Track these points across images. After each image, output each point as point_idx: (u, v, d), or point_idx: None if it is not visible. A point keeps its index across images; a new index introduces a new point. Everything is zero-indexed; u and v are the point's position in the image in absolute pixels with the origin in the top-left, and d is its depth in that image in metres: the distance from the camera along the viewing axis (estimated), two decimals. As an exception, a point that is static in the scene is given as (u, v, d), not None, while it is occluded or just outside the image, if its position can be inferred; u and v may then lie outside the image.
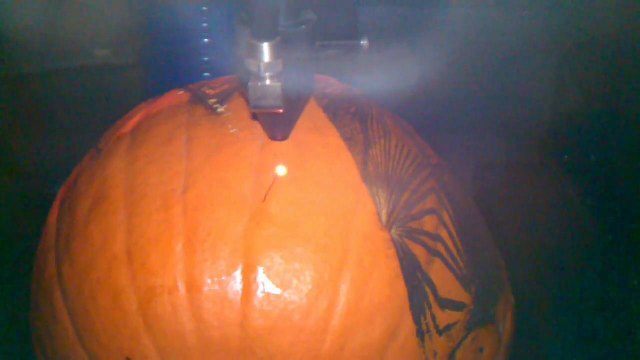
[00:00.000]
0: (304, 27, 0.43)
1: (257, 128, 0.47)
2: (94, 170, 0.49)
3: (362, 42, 0.47)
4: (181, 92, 0.53)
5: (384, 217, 0.45)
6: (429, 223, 0.47)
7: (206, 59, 0.73)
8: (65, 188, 0.53)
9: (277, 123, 0.45)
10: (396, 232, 0.45)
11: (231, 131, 0.47)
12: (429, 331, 0.44)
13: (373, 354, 0.43)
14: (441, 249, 0.47)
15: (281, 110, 0.40)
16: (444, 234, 0.48)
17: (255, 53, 0.38)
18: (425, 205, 0.48)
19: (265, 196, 0.44)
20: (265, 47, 0.38)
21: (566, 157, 0.76)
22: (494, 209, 0.65)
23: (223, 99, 0.50)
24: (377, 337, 0.43)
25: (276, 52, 0.39)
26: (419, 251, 0.45)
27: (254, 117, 0.47)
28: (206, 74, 0.73)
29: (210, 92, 0.52)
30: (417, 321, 0.44)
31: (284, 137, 0.47)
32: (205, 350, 0.42)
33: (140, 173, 0.47)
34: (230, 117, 0.48)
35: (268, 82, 0.39)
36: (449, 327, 0.45)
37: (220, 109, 0.49)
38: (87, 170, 0.50)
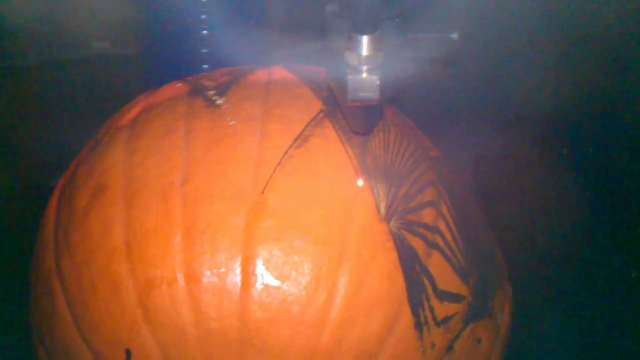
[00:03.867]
0: (398, 19, 0.43)
1: (256, 120, 0.47)
2: (93, 162, 0.49)
3: (452, 35, 0.47)
4: (180, 84, 0.53)
5: (383, 210, 0.45)
6: (427, 215, 0.47)
7: (205, 50, 0.73)
8: (64, 180, 0.52)
9: (365, 117, 0.46)
10: (395, 225, 0.45)
11: (230, 123, 0.47)
12: (427, 323, 0.44)
13: (371, 345, 0.43)
14: (439, 241, 0.47)
15: (376, 103, 0.41)
16: (442, 226, 0.48)
17: (355, 45, 0.39)
18: (424, 197, 0.48)
19: (264, 188, 0.44)
20: (365, 40, 0.39)
21: (565, 150, 0.76)
22: (493, 202, 0.65)
23: (222, 90, 0.50)
24: (375, 329, 0.43)
25: (376, 45, 0.39)
26: (417, 243, 0.45)
27: (352, 109, 0.46)
28: (205, 66, 0.73)
29: (209, 84, 0.51)
30: (415, 313, 0.44)
31: (368, 132, 0.47)
32: (204, 341, 0.42)
33: (139, 165, 0.47)
34: (229, 109, 0.48)
35: (365, 74, 0.40)
36: (446, 319, 0.45)
37: (219, 101, 0.49)
38: (86, 162, 0.50)
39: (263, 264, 0.42)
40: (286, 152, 0.45)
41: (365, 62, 0.40)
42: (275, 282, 0.42)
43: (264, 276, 0.42)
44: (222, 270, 0.42)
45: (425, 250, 0.46)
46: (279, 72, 0.53)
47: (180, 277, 0.42)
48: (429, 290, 0.45)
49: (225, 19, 0.71)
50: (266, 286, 0.42)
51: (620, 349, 0.66)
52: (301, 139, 0.46)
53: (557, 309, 0.69)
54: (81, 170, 0.50)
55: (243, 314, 0.42)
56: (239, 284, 0.42)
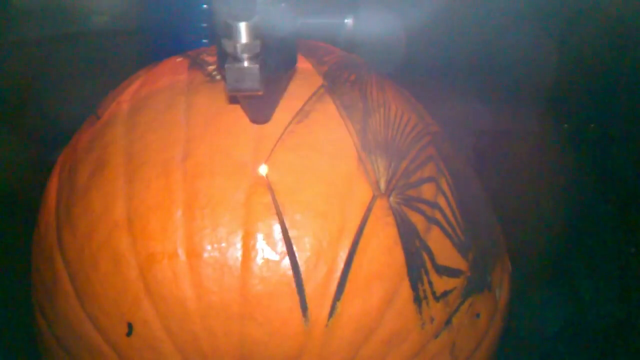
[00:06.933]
0: (283, 4, 0.40)
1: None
2: (94, 137, 0.49)
3: (346, 21, 0.45)
4: (180, 59, 0.53)
5: (383, 185, 0.45)
6: (427, 191, 0.47)
7: (205, 25, 0.72)
8: (65, 154, 0.53)
9: (258, 106, 0.44)
10: (395, 200, 0.45)
11: (230, 98, 0.47)
12: (426, 297, 0.45)
13: (371, 319, 0.43)
14: (439, 216, 0.47)
15: (260, 93, 0.38)
16: (442, 201, 0.48)
17: (232, 33, 0.37)
18: (424, 173, 0.48)
19: (264, 163, 0.44)
20: (242, 27, 0.36)
21: (566, 125, 0.76)
22: (493, 177, 0.65)
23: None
24: (374, 303, 0.43)
25: (254, 32, 0.37)
26: (417, 219, 0.45)
27: (233, 100, 0.45)
28: (205, 41, 0.73)
29: (209, 58, 0.51)
30: (414, 288, 0.44)
31: (265, 120, 0.45)
32: (205, 315, 0.42)
33: (140, 140, 0.47)
34: (229, 84, 0.48)
35: (246, 63, 0.37)
36: (445, 294, 0.46)
37: (219, 76, 0.49)
38: (87, 137, 0.50)
39: (263, 239, 0.42)
40: (287, 128, 0.45)
41: (243, 51, 0.37)
42: (276, 257, 0.42)
43: (264, 250, 0.42)
44: (223, 244, 0.42)
45: (424, 226, 0.46)
46: (280, 47, 0.52)
47: (181, 251, 0.42)
48: (428, 265, 0.45)
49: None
50: (267, 260, 0.42)
51: (620, 322, 0.66)
52: (302, 114, 0.46)
53: (556, 283, 0.69)
54: (82, 145, 0.50)
55: (244, 288, 0.42)
56: (240, 258, 0.42)
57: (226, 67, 0.38)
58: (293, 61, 0.45)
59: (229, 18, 0.36)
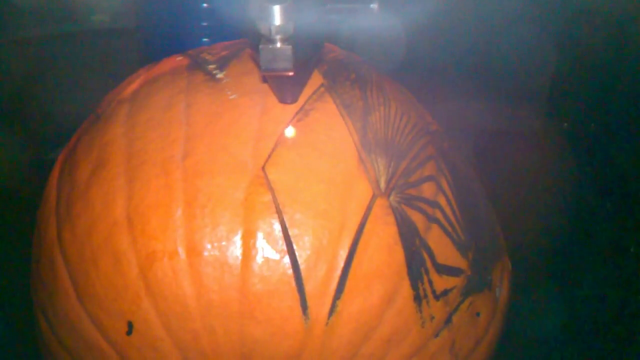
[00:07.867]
0: None
1: (257, 94, 0.47)
2: (94, 136, 0.49)
3: (371, 5, 0.47)
4: (180, 58, 0.53)
5: (383, 184, 0.45)
6: (427, 190, 0.47)
7: (205, 24, 0.72)
8: (65, 153, 0.53)
9: (287, 86, 0.45)
10: (395, 199, 0.45)
11: (230, 97, 0.47)
12: (426, 296, 0.45)
13: (371, 318, 0.43)
14: (439, 215, 0.47)
15: (291, 73, 0.40)
16: (442, 200, 0.48)
17: (266, 15, 0.39)
18: (424, 172, 0.48)
19: (265, 162, 0.44)
20: (277, 9, 0.38)
21: (566, 124, 0.76)
22: (493, 176, 0.65)
23: (222, 64, 0.50)
24: (374, 302, 0.43)
25: (287, 15, 0.39)
26: (417, 218, 0.46)
27: (264, 79, 0.47)
28: (205, 40, 0.73)
29: (210, 57, 0.51)
30: (414, 286, 0.44)
31: (294, 100, 0.47)
32: (206, 313, 0.42)
33: (140, 139, 0.47)
34: (230, 83, 0.48)
35: (279, 44, 0.40)
36: (445, 292, 0.46)
37: (220, 75, 0.49)
38: (87, 136, 0.50)
39: (264, 238, 0.42)
40: (287, 126, 0.46)
41: (277, 32, 0.39)
42: (276, 256, 0.42)
43: (264, 249, 0.42)
44: (223, 243, 0.42)
45: (425, 225, 0.46)
46: (280, 46, 0.52)
47: (181, 250, 0.42)
48: (429, 263, 0.45)
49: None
50: (267, 259, 0.42)
51: (620, 322, 0.67)
52: (302, 112, 0.46)
53: (556, 282, 0.69)
54: (82, 143, 0.50)
55: (244, 287, 0.42)
56: (240, 257, 0.42)
57: (260, 48, 0.40)
58: (320, 44, 0.48)
59: (264, 0, 0.39)
